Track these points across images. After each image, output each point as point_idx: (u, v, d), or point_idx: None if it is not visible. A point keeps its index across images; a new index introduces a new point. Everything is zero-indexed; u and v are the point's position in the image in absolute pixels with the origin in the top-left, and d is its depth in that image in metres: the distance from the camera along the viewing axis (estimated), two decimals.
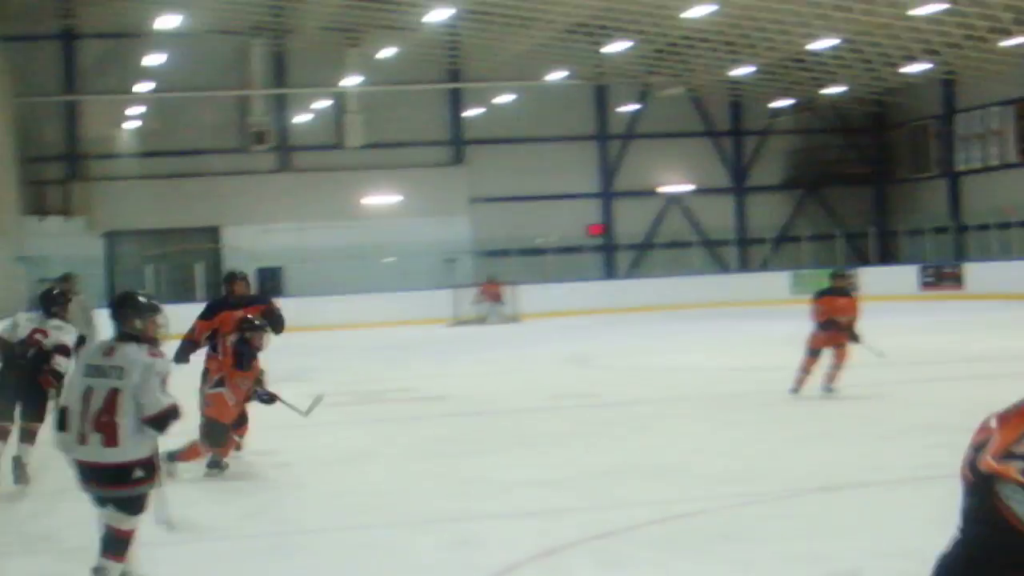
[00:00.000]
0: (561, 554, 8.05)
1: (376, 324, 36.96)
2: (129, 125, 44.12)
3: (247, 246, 42.55)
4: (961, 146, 45.13)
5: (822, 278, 43.46)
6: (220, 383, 11.41)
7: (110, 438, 6.72)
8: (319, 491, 10.81)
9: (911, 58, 39.40)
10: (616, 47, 38.68)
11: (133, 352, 6.88)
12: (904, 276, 41.28)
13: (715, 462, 11.42)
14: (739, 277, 45.63)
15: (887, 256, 46.78)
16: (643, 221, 47.60)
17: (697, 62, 42.27)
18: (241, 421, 11.71)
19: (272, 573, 7.78)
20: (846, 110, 48.02)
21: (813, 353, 15.84)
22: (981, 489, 3.48)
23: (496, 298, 38.94)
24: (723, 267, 47.89)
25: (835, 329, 15.73)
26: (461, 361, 25.25)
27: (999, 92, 42.49)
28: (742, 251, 48.78)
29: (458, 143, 46.32)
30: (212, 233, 44.05)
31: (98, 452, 6.76)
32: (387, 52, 41.07)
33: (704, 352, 24.61)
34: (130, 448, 6.77)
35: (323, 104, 44.76)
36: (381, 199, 45.20)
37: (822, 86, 44.01)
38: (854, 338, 15.88)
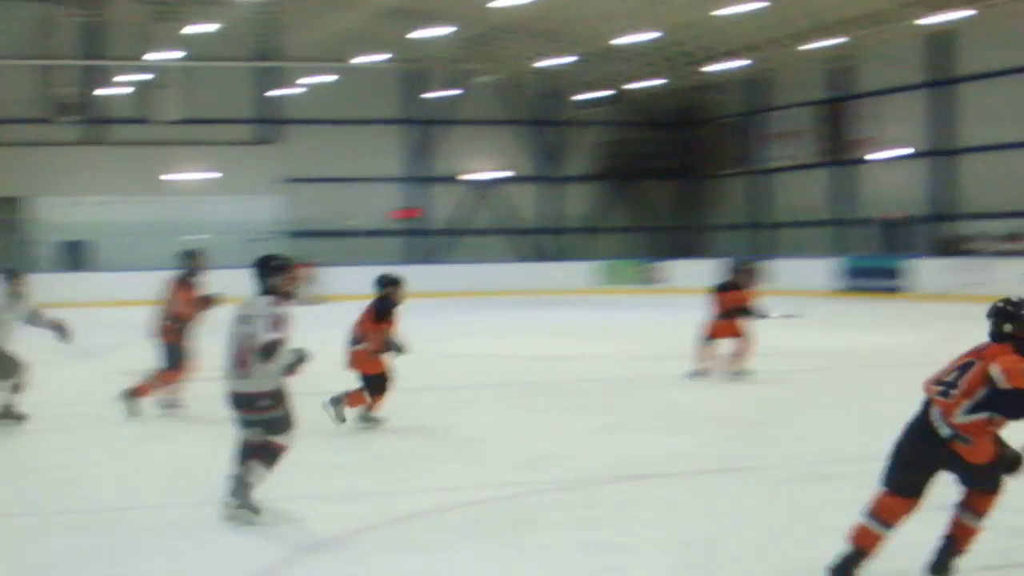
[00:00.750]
0: (352, 539, 8.10)
1: None
2: None
3: (53, 218, 41.69)
4: (764, 145, 46.32)
5: (629, 269, 44.10)
6: (358, 340, 12.65)
7: (243, 372, 8.43)
8: (116, 469, 10.72)
9: (716, 57, 40.28)
10: (431, 33, 38.63)
11: (261, 302, 8.52)
12: (706, 270, 42.09)
13: (517, 450, 11.58)
14: (547, 266, 46.06)
15: (691, 250, 47.76)
16: (453, 207, 47.83)
17: (510, 51, 42.57)
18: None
19: (72, 551, 7.75)
20: (655, 105, 48.81)
21: (708, 341, 16.58)
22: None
23: (301, 279, 38.69)
24: (532, 255, 48.33)
25: (731, 318, 16.50)
26: None
27: (802, 94, 43.76)
28: (551, 240, 49.30)
29: (270, 122, 45.97)
30: (15, 204, 43.01)
31: (235, 383, 8.51)
32: (202, 27, 40.42)
33: (510, 340, 24.80)
34: (257, 381, 8.41)
35: (136, 77, 43.92)
36: (192, 175, 44.62)
37: (631, 80, 44.68)
38: (757, 316, 16.72)
